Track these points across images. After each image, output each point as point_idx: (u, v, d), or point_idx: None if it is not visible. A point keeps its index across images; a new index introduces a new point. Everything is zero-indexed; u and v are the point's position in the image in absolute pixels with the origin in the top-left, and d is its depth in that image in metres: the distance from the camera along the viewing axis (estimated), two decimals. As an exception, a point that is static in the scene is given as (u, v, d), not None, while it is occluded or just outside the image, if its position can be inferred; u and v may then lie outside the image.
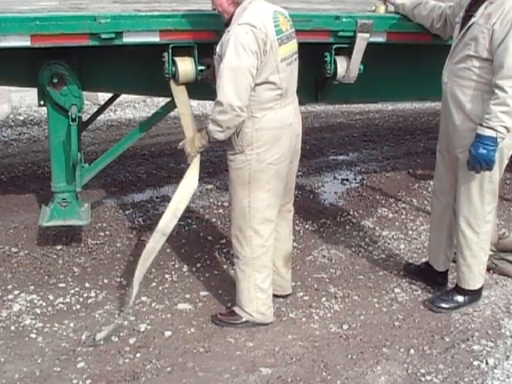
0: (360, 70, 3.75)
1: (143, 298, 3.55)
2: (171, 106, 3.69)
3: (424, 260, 3.88)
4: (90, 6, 3.87)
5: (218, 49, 3.03)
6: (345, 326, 3.36)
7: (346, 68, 3.72)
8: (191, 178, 3.29)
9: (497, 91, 3.06)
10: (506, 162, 3.34)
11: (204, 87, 3.48)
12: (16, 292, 3.58)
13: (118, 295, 3.58)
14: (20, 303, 3.48)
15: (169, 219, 3.26)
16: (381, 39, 3.79)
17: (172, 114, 4.15)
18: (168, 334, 3.25)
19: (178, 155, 5.54)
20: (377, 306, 3.58)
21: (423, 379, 2.96)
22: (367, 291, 3.72)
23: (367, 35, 3.66)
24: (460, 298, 3.53)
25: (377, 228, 4.57)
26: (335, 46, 3.69)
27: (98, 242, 4.19)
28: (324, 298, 3.63)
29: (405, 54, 4.08)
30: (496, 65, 3.08)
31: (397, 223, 4.67)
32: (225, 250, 4.09)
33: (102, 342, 3.13)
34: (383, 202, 5.05)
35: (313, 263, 4.05)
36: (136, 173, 5.47)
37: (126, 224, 4.47)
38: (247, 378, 2.92)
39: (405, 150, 6.43)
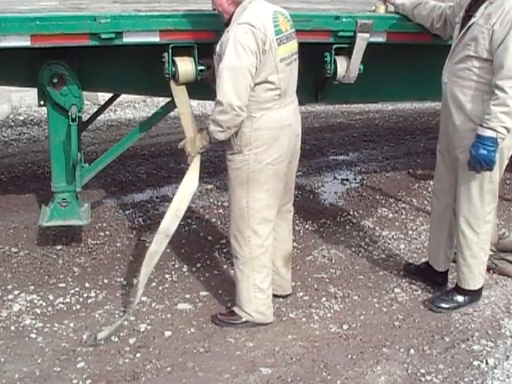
0: (360, 69, 3.75)
1: (143, 298, 3.55)
2: (171, 106, 3.69)
3: (424, 260, 3.88)
4: (90, 6, 3.87)
5: (217, 48, 3.03)
6: (345, 326, 3.36)
7: (346, 68, 3.72)
8: (192, 178, 3.29)
9: (497, 92, 3.06)
10: (506, 162, 3.34)
11: (204, 87, 3.49)
12: (16, 292, 3.58)
13: (117, 295, 3.58)
14: (20, 303, 3.48)
15: (171, 220, 3.26)
16: (381, 39, 3.79)
17: (172, 114, 4.16)
18: (168, 333, 3.25)
19: (177, 155, 5.55)
20: (377, 306, 3.58)
21: (423, 379, 2.96)
22: (367, 291, 3.72)
23: (367, 35, 3.66)
24: (460, 298, 3.53)
25: (377, 228, 4.57)
26: (335, 46, 3.69)
27: (97, 241, 4.19)
28: (324, 298, 3.63)
29: (405, 54, 4.08)
30: (496, 65, 3.08)
31: (397, 223, 4.67)
32: (225, 250, 4.09)
33: (102, 342, 3.13)
34: (383, 202, 5.05)
35: (313, 263, 4.05)
36: (136, 173, 5.47)
37: (126, 224, 4.47)
38: (247, 378, 2.92)
39: (405, 150, 6.43)
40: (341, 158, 6.16)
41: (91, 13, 3.36)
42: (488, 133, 3.09)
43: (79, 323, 3.31)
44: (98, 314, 3.40)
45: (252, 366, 3.01)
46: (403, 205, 4.99)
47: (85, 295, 3.58)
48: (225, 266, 3.94)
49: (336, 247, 4.26)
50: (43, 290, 3.62)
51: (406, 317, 3.47)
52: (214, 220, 4.59)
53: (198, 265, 3.96)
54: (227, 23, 3.05)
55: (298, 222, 4.56)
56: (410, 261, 4.07)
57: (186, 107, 3.45)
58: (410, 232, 4.52)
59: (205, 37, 3.42)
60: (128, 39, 3.36)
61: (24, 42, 3.22)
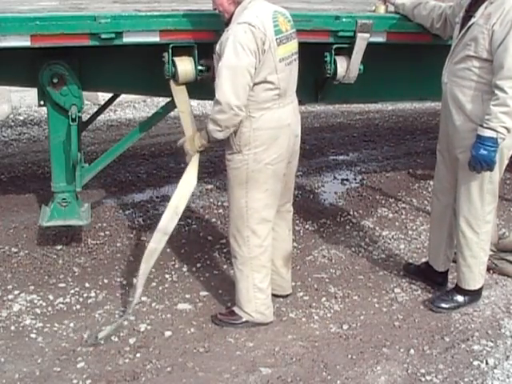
0: (360, 69, 3.75)
1: (143, 298, 3.55)
2: (171, 106, 3.70)
3: (424, 260, 3.88)
4: (90, 6, 3.87)
5: (217, 48, 3.04)
6: (345, 326, 3.36)
7: (346, 68, 3.72)
8: (190, 177, 3.29)
9: (497, 92, 3.06)
10: (506, 162, 3.34)
11: (204, 87, 3.48)
12: (16, 292, 3.58)
13: (117, 295, 3.58)
14: (20, 303, 3.48)
15: (169, 218, 3.26)
16: (381, 39, 3.78)
17: (172, 113, 4.16)
18: (168, 333, 3.25)
19: (177, 155, 5.54)
20: (377, 305, 3.58)
21: (423, 379, 2.96)
22: (367, 291, 3.72)
23: (367, 35, 3.66)
24: (460, 298, 3.53)
25: (377, 228, 4.57)
26: (335, 46, 3.69)
27: (98, 241, 4.19)
28: (324, 298, 3.63)
29: (405, 54, 4.08)
30: (496, 65, 3.08)
31: (397, 223, 4.67)
32: (225, 250, 4.09)
33: (102, 342, 3.13)
34: (383, 202, 5.05)
35: (313, 263, 4.05)
36: (136, 173, 5.47)
37: (126, 224, 4.47)
38: (247, 378, 2.92)
39: (405, 150, 6.43)
40: (341, 157, 6.16)
41: (91, 13, 3.36)
42: (488, 133, 3.09)
43: (79, 323, 3.31)
44: (98, 313, 3.40)
45: (252, 366, 3.01)
46: (403, 205, 4.99)
47: (85, 295, 3.58)
48: (225, 266, 3.94)
49: (336, 247, 4.26)
50: (43, 289, 3.62)
51: (406, 317, 3.47)
52: (213, 220, 4.59)
53: (198, 265, 3.96)
54: (227, 23, 3.05)
55: (297, 222, 4.56)
56: (410, 261, 4.07)
57: (186, 106, 3.45)
58: (410, 232, 4.52)
59: (205, 37, 3.42)
60: (128, 39, 3.36)
61: (24, 42, 3.22)
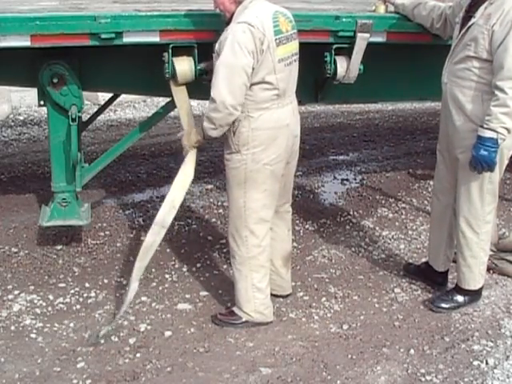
0: (360, 69, 3.75)
1: (143, 298, 3.55)
2: (171, 105, 3.70)
3: (424, 260, 3.88)
4: (90, 6, 3.87)
5: (216, 47, 3.04)
6: (345, 326, 3.36)
7: (346, 68, 3.72)
8: (187, 170, 3.30)
9: (497, 92, 3.06)
10: (506, 162, 3.34)
11: (204, 87, 3.48)
12: (16, 292, 3.58)
13: (117, 295, 3.58)
14: (20, 303, 3.48)
15: (167, 211, 3.27)
16: (381, 39, 3.78)
17: (172, 113, 4.16)
18: (168, 333, 3.25)
19: (178, 155, 5.53)
20: (377, 305, 3.58)
21: (423, 379, 2.96)
22: (367, 291, 3.72)
23: (367, 35, 3.66)
24: (460, 298, 3.53)
25: (377, 228, 4.57)
26: (335, 46, 3.69)
27: (98, 241, 4.19)
28: (324, 298, 3.63)
29: (405, 54, 4.08)
30: (496, 66, 3.08)
31: (397, 223, 4.67)
32: (225, 250, 4.09)
33: (102, 342, 3.13)
34: (383, 202, 5.05)
35: (313, 263, 4.05)
36: (136, 173, 5.47)
37: (126, 224, 4.47)
38: (247, 378, 2.92)
39: (405, 149, 6.43)
40: (341, 157, 6.16)
41: (91, 13, 3.36)
42: (488, 134, 3.09)
43: (79, 323, 3.31)
44: (98, 313, 3.40)
45: (252, 366, 3.01)
46: (403, 205, 4.99)
47: (85, 295, 3.58)
48: (225, 266, 3.94)
49: (336, 247, 4.26)
50: (43, 290, 3.62)
51: (406, 317, 3.47)
52: (213, 220, 4.59)
53: (198, 265, 3.96)
54: (228, 22, 3.05)
55: (297, 222, 4.56)
56: (410, 261, 4.07)
57: (185, 104, 3.46)
58: (410, 232, 4.52)
59: (205, 37, 3.42)
60: (128, 39, 3.36)
61: (24, 41, 3.22)
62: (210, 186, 5.18)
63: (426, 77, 4.05)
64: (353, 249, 4.25)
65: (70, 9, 3.71)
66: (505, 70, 3.03)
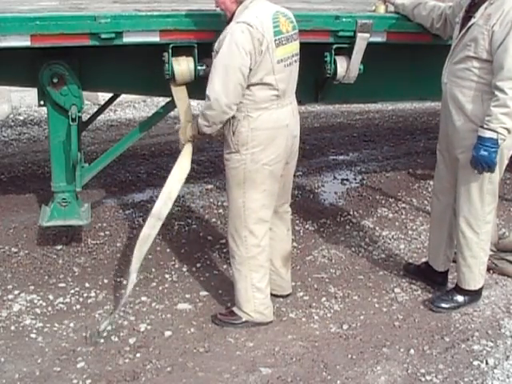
0: (360, 69, 3.75)
1: (143, 298, 3.55)
2: (171, 106, 3.70)
3: (424, 260, 3.88)
4: (90, 6, 3.87)
5: (216, 45, 3.04)
6: (345, 326, 3.36)
7: (346, 68, 3.72)
8: (183, 163, 3.32)
9: (497, 93, 3.06)
10: (506, 162, 3.34)
11: (204, 87, 3.48)
12: (16, 292, 3.58)
13: (118, 295, 3.58)
14: (20, 303, 3.48)
15: (163, 203, 3.28)
16: (381, 39, 3.78)
17: (172, 113, 4.16)
18: (168, 333, 3.25)
19: (178, 155, 5.54)
20: (377, 306, 3.58)
21: (423, 379, 2.96)
22: (367, 291, 3.72)
23: (367, 35, 3.66)
24: (460, 298, 3.53)
25: (377, 228, 4.57)
26: (335, 46, 3.69)
27: (98, 241, 4.19)
28: (324, 298, 3.63)
29: (405, 54, 4.08)
30: (496, 66, 3.08)
31: (397, 223, 4.67)
32: (225, 250, 4.09)
33: (102, 341, 3.14)
34: (383, 202, 5.05)
35: (313, 263, 4.05)
36: (136, 173, 5.47)
37: (126, 224, 4.47)
38: (247, 378, 2.92)
39: (405, 149, 6.43)
40: (341, 157, 6.16)
41: (91, 13, 3.36)
42: (488, 134, 3.09)
43: (79, 323, 3.31)
44: (98, 313, 3.40)
45: (252, 366, 3.01)
46: (403, 205, 4.99)
47: (85, 295, 3.58)
48: (225, 266, 3.94)
49: (336, 247, 4.26)
50: (43, 290, 3.62)
51: (406, 317, 3.47)
52: (213, 220, 4.59)
53: (198, 265, 3.96)
54: (229, 21, 3.05)
55: (297, 222, 4.56)
56: (410, 261, 4.07)
57: (185, 104, 3.46)
58: (410, 232, 4.52)
59: (205, 37, 3.42)
60: (128, 39, 3.36)
61: (24, 42, 3.22)
62: (210, 186, 5.18)
63: (426, 77, 4.04)
64: (353, 249, 4.25)
65: (70, 9, 3.71)
66: (505, 70, 3.03)
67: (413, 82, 4.28)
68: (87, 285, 3.69)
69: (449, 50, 3.36)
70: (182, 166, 3.32)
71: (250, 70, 2.94)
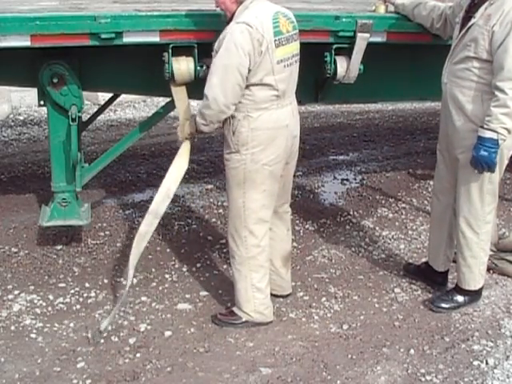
0: (360, 69, 3.75)
1: (143, 298, 3.55)
2: (171, 106, 3.69)
3: (424, 260, 3.88)
4: (90, 6, 3.87)
5: (215, 45, 3.05)
6: (345, 326, 3.36)
7: (346, 68, 3.72)
8: (181, 161, 3.34)
9: (497, 93, 3.06)
10: (506, 162, 3.33)
11: (204, 87, 3.48)
12: (16, 292, 3.58)
13: (117, 295, 3.58)
14: (20, 303, 3.48)
15: (161, 201, 3.29)
16: (381, 39, 3.78)
17: (172, 113, 4.15)
18: (168, 333, 3.25)
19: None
20: (377, 306, 3.58)
21: (423, 379, 2.96)
22: (367, 291, 3.72)
23: (367, 35, 3.66)
24: (460, 298, 3.53)
25: (377, 228, 4.57)
26: (335, 46, 3.69)
27: (97, 241, 4.19)
28: (324, 298, 3.63)
29: (405, 54, 4.08)
30: (496, 66, 3.08)
31: (397, 223, 4.67)
32: (225, 250, 4.09)
33: (103, 340, 3.14)
34: (383, 202, 5.05)
35: (313, 263, 4.05)
36: (136, 173, 5.47)
37: (126, 224, 4.47)
38: (247, 378, 2.92)
39: (405, 149, 6.43)
40: (341, 157, 6.16)
41: (91, 13, 3.36)
42: (488, 134, 3.09)
43: (79, 323, 3.31)
44: (98, 313, 3.40)
45: (252, 366, 3.01)
46: (403, 205, 4.99)
47: (85, 295, 3.58)
48: (225, 266, 3.94)
49: (336, 247, 4.26)
50: (43, 290, 3.62)
51: (406, 317, 3.47)
52: (213, 220, 4.59)
53: (198, 265, 3.96)
54: (229, 21, 3.05)
55: (298, 222, 4.56)
56: (410, 261, 4.07)
57: (185, 104, 3.46)
58: (410, 232, 4.52)
59: (205, 37, 3.42)
60: (128, 39, 3.36)
61: (24, 42, 3.22)
62: (210, 186, 5.18)
63: (426, 77, 4.05)
64: (353, 249, 4.25)
65: (70, 9, 3.71)
66: (505, 70, 3.03)
67: (413, 82, 4.28)
68: (87, 285, 3.69)
69: (449, 50, 3.36)
70: (180, 163, 3.34)
71: (250, 70, 2.94)
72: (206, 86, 3.00)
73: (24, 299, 3.51)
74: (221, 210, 4.71)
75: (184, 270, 3.91)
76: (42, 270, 3.83)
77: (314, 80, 4.01)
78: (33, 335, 3.21)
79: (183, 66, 3.41)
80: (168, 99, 3.73)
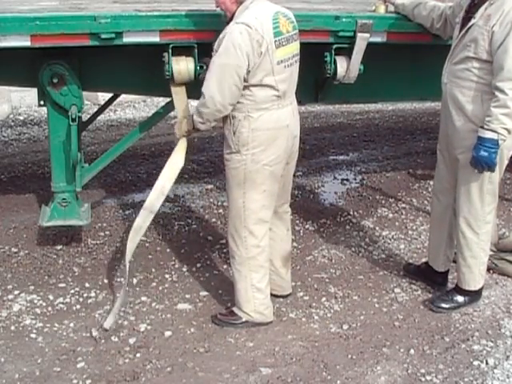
0: (360, 69, 3.75)
1: (143, 298, 3.55)
2: (171, 106, 3.69)
3: (424, 260, 3.88)
4: (90, 6, 3.87)
5: (215, 45, 3.05)
6: (345, 326, 3.36)
7: (346, 68, 3.72)
8: (177, 158, 3.36)
9: (497, 93, 3.06)
10: (505, 162, 3.33)
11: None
12: (16, 292, 3.58)
13: (117, 295, 3.58)
14: (20, 303, 3.48)
15: (156, 197, 3.34)
16: (381, 39, 3.78)
17: (172, 113, 4.15)
18: (168, 333, 3.25)
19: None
20: (377, 306, 3.58)
21: (423, 379, 2.96)
22: (367, 291, 3.72)
23: (367, 35, 3.66)
24: (460, 299, 3.53)
25: (377, 228, 4.57)
26: (335, 46, 3.69)
27: (97, 242, 4.19)
28: (324, 298, 3.63)
29: (405, 54, 4.08)
30: (496, 66, 3.08)
31: (397, 223, 4.67)
32: (225, 250, 4.09)
33: (102, 341, 3.14)
34: (383, 202, 5.05)
35: (313, 263, 4.05)
36: (136, 173, 5.47)
37: (126, 224, 4.46)
38: (247, 378, 2.92)
39: (405, 149, 6.43)
40: (341, 157, 6.16)
41: (91, 13, 3.36)
42: (489, 134, 3.09)
43: (79, 323, 3.31)
44: (98, 313, 3.40)
45: (252, 366, 3.01)
46: (403, 205, 4.99)
47: (85, 295, 3.58)
48: (225, 266, 3.93)
49: (336, 247, 4.26)
50: (43, 290, 3.62)
51: (406, 317, 3.47)
52: (213, 220, 4.59)
53: (198, 265, 3.96)
54: (229, 22, 3.05)
55: (298, 221, 4.56)
56: (410, 261, 4.07)
57: (184, 103, 3.47)
58: (410, 232, 4.52)
59: (205, 37, 3.42)
60: (128, 39, 3.36)
61: (24, 42, 3.22)
62: (210, 186, 5.18)
63: (426, 77, 4.05)
64: (353, 249, 4.25)
65: (70, 9, 3.71)
66: (505, 71, 3.03)
67: (413, 82, 4.28)
68: (87, 285, 3.69)
69: (449, 50, 3.36)
70: (176, 160, 3.37)
71: (249, 71, 2.94)
72: (204, 85, 3.02)
73: (24, 299, 3.51)
74: (221, 210, 4.71)
75: (184, 270, 3.91)
76: (42, 270, 3.83)
77: (314, 80, 4.01)
78: (33, 335, 3.21)
79: (183, 66, 3.41)
80: (168, 99, 3.74)
